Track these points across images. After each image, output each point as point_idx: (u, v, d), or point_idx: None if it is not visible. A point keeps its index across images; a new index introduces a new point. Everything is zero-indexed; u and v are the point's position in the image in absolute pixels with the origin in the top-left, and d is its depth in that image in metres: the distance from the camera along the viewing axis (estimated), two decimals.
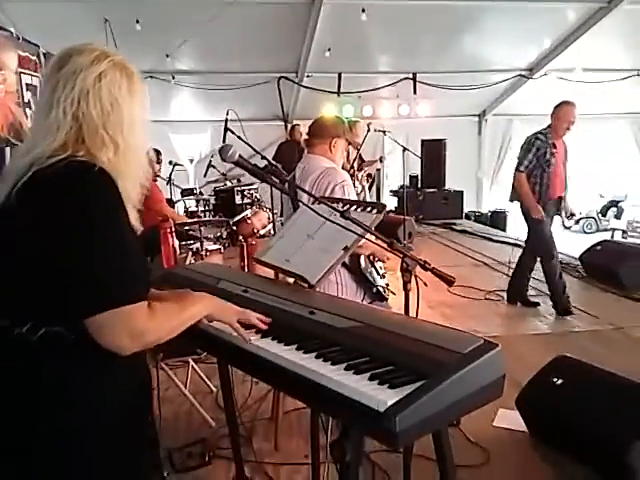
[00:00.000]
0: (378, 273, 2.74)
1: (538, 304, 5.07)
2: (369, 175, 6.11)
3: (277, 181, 1.60)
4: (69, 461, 1.12)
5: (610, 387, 2.63)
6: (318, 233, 1.81)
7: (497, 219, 10.40)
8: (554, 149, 4.72)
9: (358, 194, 5.19)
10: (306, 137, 2.92)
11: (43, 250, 1.07)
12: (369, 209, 1.77)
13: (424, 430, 1.12)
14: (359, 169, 5.97)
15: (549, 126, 4.78)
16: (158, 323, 1.16)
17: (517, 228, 9.97)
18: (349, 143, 2.93)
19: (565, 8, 7.84)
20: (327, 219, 1.66)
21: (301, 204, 2.06)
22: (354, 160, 5.67)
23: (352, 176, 3.83)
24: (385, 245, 1.62)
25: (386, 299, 2.75)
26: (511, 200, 5.10)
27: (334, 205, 1.68)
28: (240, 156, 1.49)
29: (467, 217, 10.47)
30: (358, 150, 6.00)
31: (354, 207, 1.80)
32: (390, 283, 2.83)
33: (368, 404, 1.08)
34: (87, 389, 1.13)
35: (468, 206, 10.89)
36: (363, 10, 6.96)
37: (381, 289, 2.71)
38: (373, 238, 1.70)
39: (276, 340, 1.39)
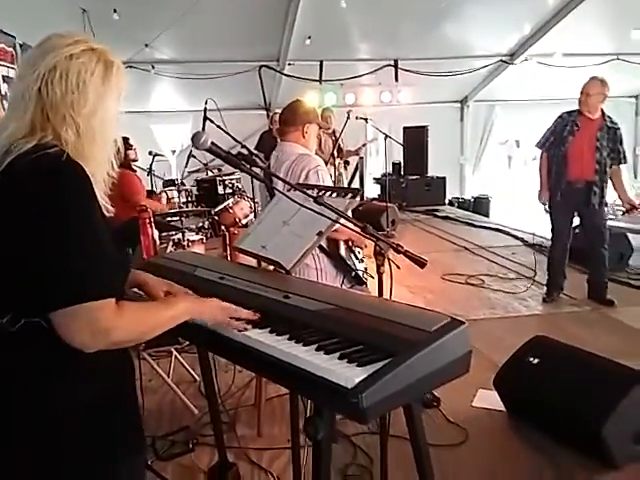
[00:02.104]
0: (357, 257, 2.78)
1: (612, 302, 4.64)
2: (346, 162, 6.12)
3: (250, 168, 1.62)
4: (46, 449, 1.14)
5: (584, 365, 2.69)
6: (293, 219, 1.83)
7: (480, 205, 10.50)
8: (575, 127, 4.46)
9: (335, 181, 5.21)
10: (278, 126, 2.93)
11: (16, 245, 1.07)
12: (343, 194, 1.80)
13: (391, 405, 1.16)
14: (339, 157, 5.98)
15: None
16: (125, 323, 1.14)
17: (499, 214, 10.16)
18: (320, 127, 2.95)
19: None
20: (302, 205, 1.69)
21: (277, 191, 2.08)
22: (333, 148, 5.67)
23: (327, 163, 3.82)
24: (359, 230, 1.65)
25: (365, 283, 2.79)
26: None
27: (308, 192, 1.70)
28: (212, 143, 1.50)
29: (450, 203, 10.54)
30: (336, 139, 6.00)
31: (328, 193, 1.82)
32: (368, 267, 2.87)
33: (337, 382, 1.11)
34: (62, 378, 1.14)
35: (451, 192, 10.97)
36: None
37: (360, 273, 2.75)
38: (350, 224, 1.72)
39: (250, 324, 1.41)
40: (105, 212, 1.20)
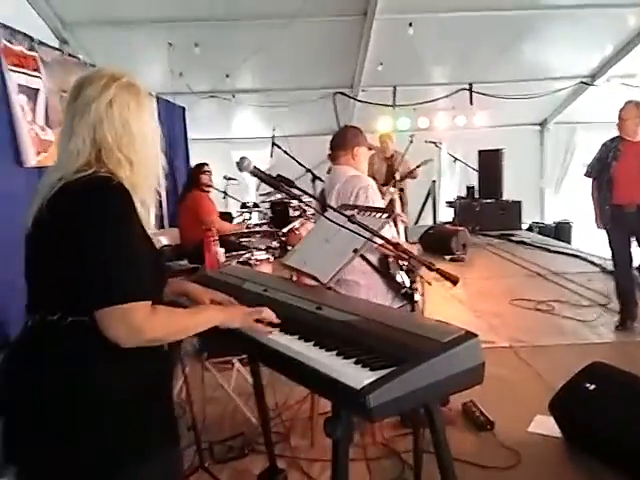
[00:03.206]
0: (408, 275, 2.84)
1: None
2: (401, 190, 6.12)
3: (293, 191, 1.77)
4: (75, 434, 1.27)
5: None
6: (334, 238, 1.95)
7: (561, 230, 10.13)
8: (618, 152, 4.49)
9: (389, 205, 5.26)
10: (329, 152, 3.08)
11: (65, 251, 1.26)
12: (378, 215, 1.90)
13: (398, 408, 1.24)
14: (393, 184, 5.97)
15: None
16: (156, 324, 1.29)
17: (583, 239, 9.74)
18: (369, 149, 3.08)
19: (625, 13, 7.65)
20: (340, 225, 1.81)
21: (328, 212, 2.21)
22: (390, 173, 5.72)
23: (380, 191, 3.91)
24: (392, 247, 1.75)
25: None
26: None
27: (345, 212, 1.82)
28: (255, 167, 1.66)
29: (530, 229, 10.25)
30: (392, 164, 6.02)
31: (366, 213, 1.93)
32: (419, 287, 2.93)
33: (349, 384, 1.21)
34: (101, 369, 1.28)
35: (531, 217, 10.67)
36: (410, 24, 7.04)
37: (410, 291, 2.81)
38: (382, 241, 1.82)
39: (283, 331, 1.54)
40: (150, 229, 1.38)
